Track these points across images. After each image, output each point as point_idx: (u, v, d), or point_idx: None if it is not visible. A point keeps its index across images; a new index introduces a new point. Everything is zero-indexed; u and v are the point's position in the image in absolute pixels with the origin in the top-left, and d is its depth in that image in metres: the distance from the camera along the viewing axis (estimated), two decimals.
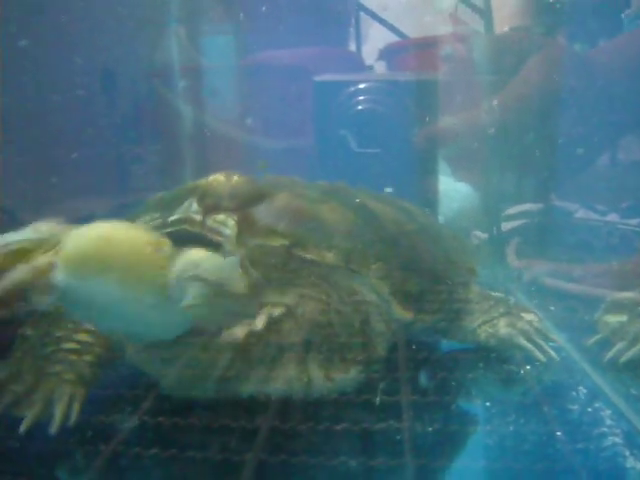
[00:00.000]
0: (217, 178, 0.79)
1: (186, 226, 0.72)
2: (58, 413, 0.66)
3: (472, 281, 0.87)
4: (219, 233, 0.71)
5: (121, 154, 1.82)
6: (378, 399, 0.69)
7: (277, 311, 0.67)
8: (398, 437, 0.63)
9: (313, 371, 0.67)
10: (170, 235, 0.72)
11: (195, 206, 0.73)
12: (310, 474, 0.61)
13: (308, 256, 0.71)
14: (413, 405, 0.68)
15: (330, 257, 0.72)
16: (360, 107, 1.38)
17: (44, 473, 0.66)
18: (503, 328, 0.82)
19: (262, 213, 0.74)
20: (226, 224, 0.72)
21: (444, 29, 2.25)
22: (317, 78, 1.38)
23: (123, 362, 0.73)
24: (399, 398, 0.69)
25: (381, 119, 1.38)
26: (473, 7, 2.27)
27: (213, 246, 0.70)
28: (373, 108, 1.38)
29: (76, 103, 1.60)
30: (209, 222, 0.72)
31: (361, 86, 1.37)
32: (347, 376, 0.69)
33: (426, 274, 0.80)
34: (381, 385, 0.71)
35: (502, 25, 1.71)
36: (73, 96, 1.58)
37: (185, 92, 1.55)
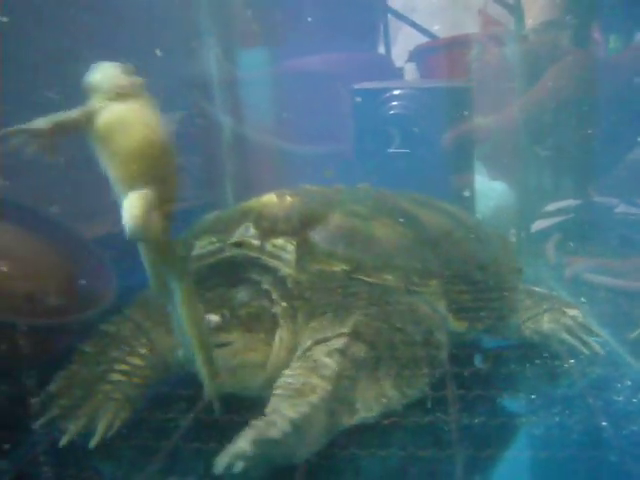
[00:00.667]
0: (270, 199, 0.82)
1: (245, 251, 0.75)
2: (100, 429, 0.68)
3: (519, 281, 0.88)
4: (279, 258, 0.74)
5: None
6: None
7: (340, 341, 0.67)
8: (446, 429, 0.65)
9: (389, 391, 0.67)
10: (229, 259, 0.76)
11: (252, 230, 0.77)
12: (362, 465, 0.64)
13: (369, 280, 0.73)
14: (459, 399, 0.70)
15: (390, 279, 0.74)
16: (393, 112, 1.43)
17: (108, 468, 0.70)
18: (547, 324, 0.83)
19: (319, 236, 0.76)
20: (285, 249, 0.74)
21: (473, 28, 2.25)
22: (356, 86, 1.45)
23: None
24: (445, 392, 0.71)
25: (414, 122, 1.43)
26: (503, 3, 2.26)
27: (272, 272, 0.74)
28: (405, 113, 1.44)
29: None
30: (268, 247, 0.75)
31: (395, 92, 1.43)
32: (417, 390, 0.69)
33: (477, 283, 0.82)
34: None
35: (533, 19, 1.70)
36: None
37: (223, 103, 1.59)
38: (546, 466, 0.61)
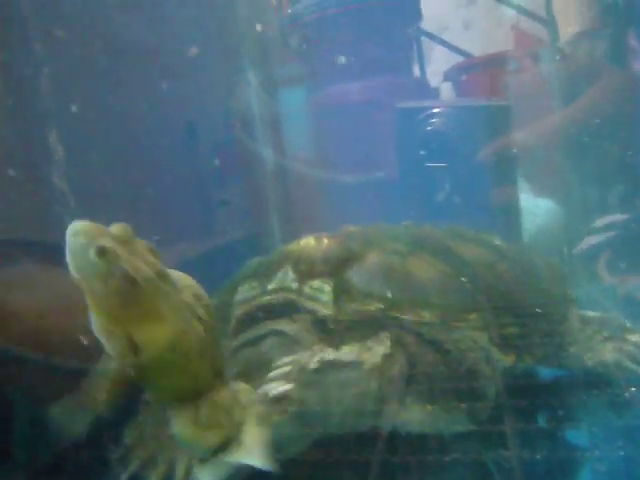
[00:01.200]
0: (308, 242, 0.84)
1: (284, 294, 0.77)
2: (179, 474, 0.69)
3: (571, 309, 0.86)
4: (316, 300, 0.76)
5: (207, 199, 1.92)
6: (483, 428, 0.70)
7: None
8: (507, 466, 0.65)
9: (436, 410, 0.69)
10: (270, 303, 0.78)
11: (291, 274, 0.79)
12: None
13: (405, 317, 0.74)
14: (519, 433, 0.69)
15: (426, 316, 0.74)
16: (432, 128, 1.50)
17: None
18: (610, 353, 0.81)
19: (355, 276, 0.77)
20: (322, 290, 0.76)
21: (507, 44, 2.25)
22: (398, 105, 1.56)
23: None
24: (504, 426, 0.70)
25: (451, 138, 1.48)
26: (536, 17, 2.25)
27: (310, 313, 0.76)
28: (444, 129, 1.49)
29: (162, 152, 1.72)
30: (306, 289, 0.77)
31: (435, 110, 1.51)
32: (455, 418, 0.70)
33: (524, 315, 0.81)
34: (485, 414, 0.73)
35: (567, 29, 1.69)
36: (158, 145, 1.69)
37: (264, 136, 1.63)
38: None
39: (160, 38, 1.76)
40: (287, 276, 0.79)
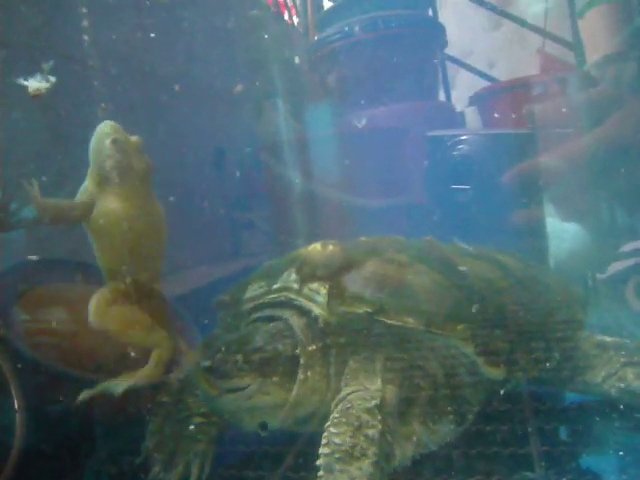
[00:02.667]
0: (315, 247, 0.89)
1: (285, 293, 0.82)
2: (194, 473, 0.77)
3: (579, 333, 0.86)
4: (312, 300, 0.80)
5: (234, 221, 1.96)
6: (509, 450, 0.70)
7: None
8: None
9: (417, 428, 0.71)
10: (273, 301, 0.83)
11: (294, 275, 0.83)
12: None
13: (389, 321, 0.76)
14: (545, 456, 0.69)
15: (410, 321, 0.76)
16: (458, 154, 1.55)
17: None
18: (635, 381, 0.80)
19: (351, 281, 0.81)
20: (319, 292, 0.80)
21: (532, 68, 2.26)
22: (429, 133, 1.63)
23: None
24: (529, 449, 0.70)
25: (476, 163, 1.52)
26: (561, 41, 2.26)
27: (306, 313, 0.80)
28: (470, 155, 1.54)
29: (192, 176, 1.76)
30: (304, 290, 0.81)
31: (463, 137, 1.57)
32: (443, 426, 0.73)
33: (518, 331, 0.81)
34: (507, 437, 0.73)
35: (595, 52, 1.69)
36: (189, 170, 1.74)
37: (292, 161, 1.66)
38: None
39: (191, 67, 1.82)
40: (290, 277, 0.83)
